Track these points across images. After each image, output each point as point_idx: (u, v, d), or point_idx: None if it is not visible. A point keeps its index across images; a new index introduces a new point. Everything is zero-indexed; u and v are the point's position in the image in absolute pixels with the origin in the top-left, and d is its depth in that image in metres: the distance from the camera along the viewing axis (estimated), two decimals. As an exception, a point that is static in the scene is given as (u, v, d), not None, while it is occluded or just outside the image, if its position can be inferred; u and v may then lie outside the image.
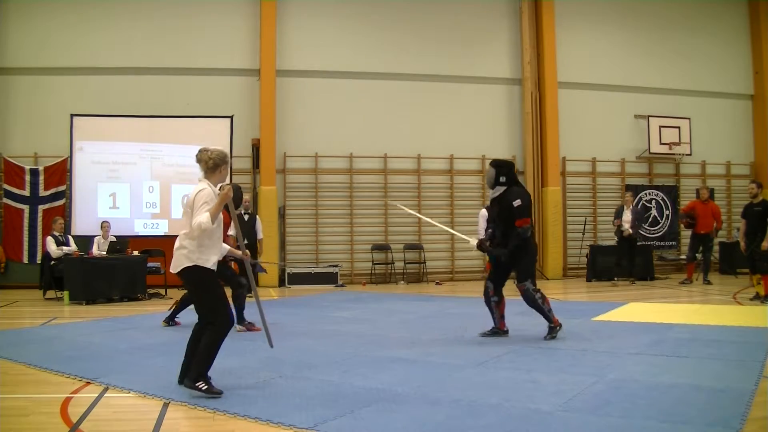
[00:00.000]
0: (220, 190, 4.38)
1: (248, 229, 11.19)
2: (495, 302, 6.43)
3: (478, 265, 14.19)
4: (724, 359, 5.23)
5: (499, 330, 6.47)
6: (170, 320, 7.42)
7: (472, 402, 4.03)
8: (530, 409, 3.86)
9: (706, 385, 4.36)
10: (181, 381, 4.44)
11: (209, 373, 4.28)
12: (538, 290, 6.23)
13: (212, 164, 4.43)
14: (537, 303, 6.19)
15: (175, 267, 4.36)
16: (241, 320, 7.10)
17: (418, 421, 3.66)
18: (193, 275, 4.31)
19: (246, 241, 11.60)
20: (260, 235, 11.23)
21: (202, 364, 4.22)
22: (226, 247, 5.22)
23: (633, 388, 4.31)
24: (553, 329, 6.24)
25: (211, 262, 4.34)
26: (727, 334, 6.45)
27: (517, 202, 6.13)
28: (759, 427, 3.54)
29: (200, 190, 4.30)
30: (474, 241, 6.53)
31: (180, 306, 7.39)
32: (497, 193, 6.29)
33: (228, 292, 4.70)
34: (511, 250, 6.16)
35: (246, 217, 11.21)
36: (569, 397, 4.09)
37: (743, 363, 5.04)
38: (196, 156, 4.46)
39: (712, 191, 13.52)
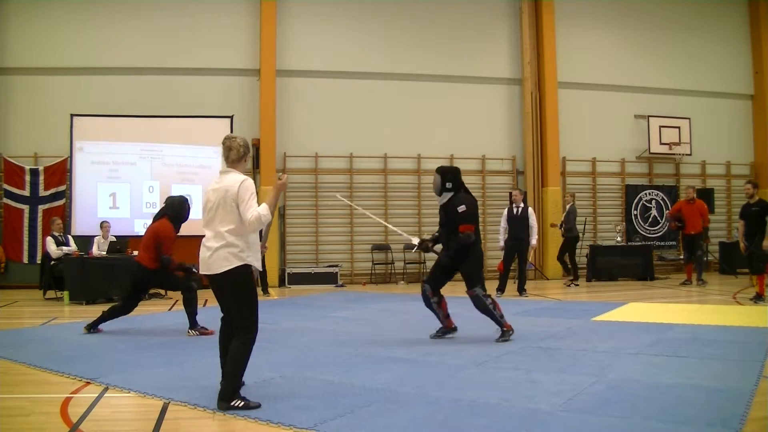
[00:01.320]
0: (277, 179, 4.27)
1: None
2: (436, 303, 6.39)
3: (478, 265, 14.16)
4: (724, 359, 5.24)
5: (447, 329, 6.47)
6: (92, 327, 6.89)
7: (471, 402, 4.03)
8: (530, 409, 3.86)
9: (706, 385, 4.36)
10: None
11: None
12: (489, 296, 6.20)
13: (243, 152, 4.21)
14: (488, 309, 6.16)
15: (220, 267, 3.99)
16: (194, 325, 6.86)
17: (418, 421, 3.66)
18: (241, 275, 4.01)
19: None
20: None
21: (234, 379, 3.98)
22: None
23: (633, 388, 4.31)
24: (506, 333, 6.21)
25: (256, 261, 4.11)
26: (727, 334, 6.45)
27: (461, 208, 6.15)
28: (759, 427, 3.54)
29: (243, 181, 4.07)
30: (416, 240, 6.58)
31: (108, 315, 6.90)
32: (445, 200, 6.31)
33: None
34: (452, 255, 6.19)
35: None
36: (569, 397, 4.09)
37: (743, 363, 5.05)
38: (225, 144, 4.21)
39: (699, 191, 13.39)
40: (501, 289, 10.47)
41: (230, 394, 3.93)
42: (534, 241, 10.52)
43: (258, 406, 3.93)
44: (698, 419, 3.60)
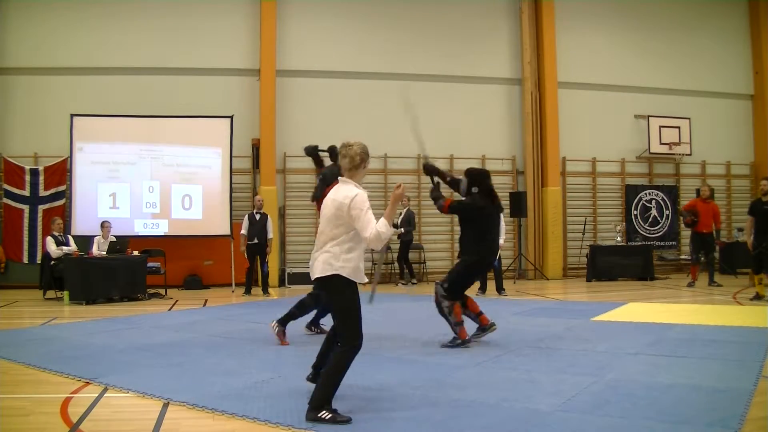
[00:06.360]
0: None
1: (260, 229, 11.28)
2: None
3: (478, 265, 14.16)
4: (723, 359, 5.24)
5: (485, 327, 6.24)
6: (315, 325, 6.85)
7: (471, 402, 4.04)
8: (529, 409, 3.87)
9: (705, 385, 4.37)
10: (312, 379, 4.26)
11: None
12: (448, 300, 6.06)
13: (359, 160, 4.09)
14: (443, 312, 6.07)
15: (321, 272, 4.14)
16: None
17: (418, 421, 3.67)
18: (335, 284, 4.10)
19: (256, 240, 11.70)
20: (270, 234, 11.34)
21: (327, 389, 3.75)
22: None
23: (632, 388, 4.32)
24: (454, 340, 6.02)
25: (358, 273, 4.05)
26: (727, 334, 6.46)
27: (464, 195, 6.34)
28: (758, 427, 3.54)
29: (356, 195, 3.93)
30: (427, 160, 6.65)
31: (322, 311, 6.67)
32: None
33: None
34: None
35: (257, 216, 11.31)
36: (568, 397, 4.09)
37: (743, 363, 5.05)
38: (340, 152, 4.10)
39: (712, 191, 13.36)
40: (482, 288, 10.57)
41: (320, 404, 3.72)
42: (502, 240, 10.48)
43: (349, 420, 3.67)
44: (697, 419, 3.60)
